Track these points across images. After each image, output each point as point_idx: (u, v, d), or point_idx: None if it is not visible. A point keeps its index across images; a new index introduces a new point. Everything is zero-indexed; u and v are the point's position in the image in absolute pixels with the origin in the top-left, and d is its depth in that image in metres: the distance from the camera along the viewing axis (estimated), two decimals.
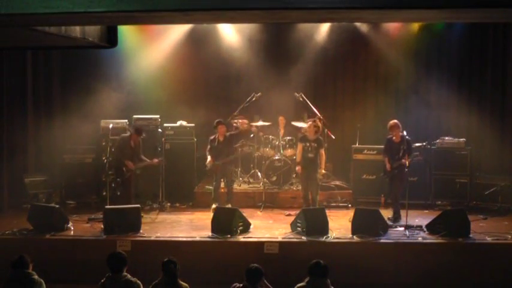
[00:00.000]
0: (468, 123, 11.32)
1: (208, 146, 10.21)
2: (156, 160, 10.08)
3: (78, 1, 4.61)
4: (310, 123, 9.78)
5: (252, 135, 11.37)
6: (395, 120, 9.46)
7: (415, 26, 11.46)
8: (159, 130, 10.92)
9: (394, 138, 9.39)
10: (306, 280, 5.74)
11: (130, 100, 11.56)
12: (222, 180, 10.25)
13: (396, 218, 9.30)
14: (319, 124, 9.86)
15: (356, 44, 11.85)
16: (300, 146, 9.77)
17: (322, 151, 9.67)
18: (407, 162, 9.11)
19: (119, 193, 10.08)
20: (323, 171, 9.76)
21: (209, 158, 10.07)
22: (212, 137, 10.19)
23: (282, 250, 8.12)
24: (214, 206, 9.98)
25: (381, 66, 12.01)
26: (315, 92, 11.96)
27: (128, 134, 9.96)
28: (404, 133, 9.32)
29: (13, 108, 10.73)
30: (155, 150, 10.40)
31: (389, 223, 8.99)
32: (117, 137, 10.17)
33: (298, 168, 9.82)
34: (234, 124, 11.20)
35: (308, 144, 9.60)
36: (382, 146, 10.82)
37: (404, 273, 7.89)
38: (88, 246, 8.31)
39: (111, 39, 7.46)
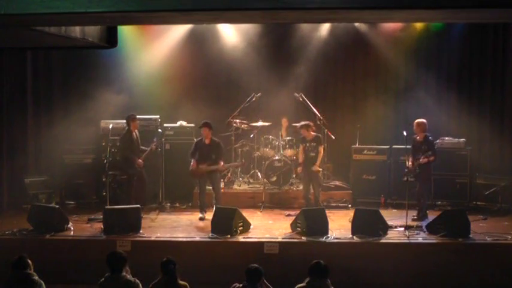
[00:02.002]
0: (468, 123, 11.29)
1: (193, 148, 9.86)
2: (153, 145, 10.14)
3: (78, 1, 4.62)
4: (301, 127, 9.87)
5: (252, 135, 11.37)
6: (423, 120, 9.52)
7: (415, 26, 11.45)
8: (159, 130, 10.92)
9: (418, 138, 9.46)
10: (306, 280, 5.74)
11: (130, 100, 11.52)
12: (207, 185, 9.94)
13: (422, 216, 9.34)
14: (310, 123, 9.93)
15: (356, 44, 11.82)
16: (301, 146, 9.97)
17: (321, 148, 9.79)
18: (425, 160, 9.17)
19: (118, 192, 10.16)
20: (317, 167, 9.79)
21: (192, 161, 9.73)
22: (198, 139, 9.96)
23: (282, 250, 8.11)
24: (202, 215, 9.65)
25: (380, 67, 11.98)
26: (315, 92, 11.94)
27: (126, 128, 10.02)
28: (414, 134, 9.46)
29: (13, 108, 10.73)
30: (155, 151, 10.43)
31: (416, 223, 9.04)
32: (117, 137, 10.22)
33: (299, 168, 10.02)
34: (234, 124, 11.19)
35: (308, 144, 9.79)
36: (382, 147, 10.93)
37: (404, 273, 7.88)
38: (88, 246, 8.30)
39: (111, 39, 7.47)
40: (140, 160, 9.90)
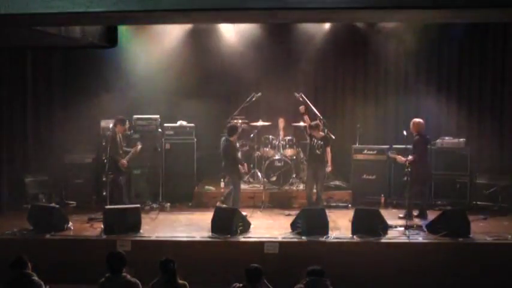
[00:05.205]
0: (468, 123, 11.30)
1: (239, 152, 10.47)
2: (139, 146, 10.05)
3: (78, 1, 4.62)
4: (310, 128, 9.90)
5: (252, 135, 11.37)
6: (416, 119, 9.61)
7: (415, 26, 11.43)
8: (159, 130, 10.92)
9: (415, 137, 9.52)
10: (304, 282, 5.74)
11: (130, 100, 11.52)
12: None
13: (407, 215, 9.38)
14: (319, 124, 9.97)
15: (356, 44, 11.84)
16: (309, 139, 10.01)
17: (328, 149, 9.81)
18: (403, 159, 9.24)
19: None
20: (330, 168, 9.85)
21: (243, 166, 10.09)
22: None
23: (282, 250, 8.11)
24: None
25: (381, 66, 11.98)
26: (315, 92, 11.94)
27: (112, 129, 9.88)
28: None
29: (13, 108, 10.73)
30: (155, 151, 10.42)
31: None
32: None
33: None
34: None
35: (315, 141, 9.80)
36: (382, 146, 10.94)
37: (404, 273, 7.88)
38: (88, 246, 8.30)
39: (111, 39, 7.49)
40: (124, 161, 9.84)
